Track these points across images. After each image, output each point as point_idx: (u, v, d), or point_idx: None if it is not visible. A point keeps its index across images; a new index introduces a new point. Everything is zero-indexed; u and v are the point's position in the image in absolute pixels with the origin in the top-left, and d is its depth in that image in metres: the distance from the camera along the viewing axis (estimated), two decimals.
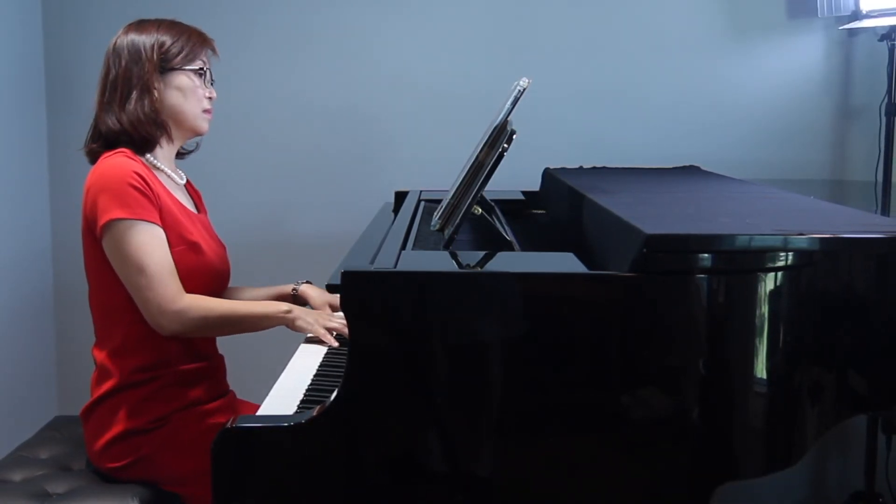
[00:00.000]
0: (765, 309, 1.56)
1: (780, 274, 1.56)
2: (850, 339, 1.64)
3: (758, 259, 1.56)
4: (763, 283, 1.56)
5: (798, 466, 1.61)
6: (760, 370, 1.57)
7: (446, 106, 3.30)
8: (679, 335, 1.55)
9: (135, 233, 1.99)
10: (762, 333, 1.57)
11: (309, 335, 2.19)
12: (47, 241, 3.44)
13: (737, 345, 1.57)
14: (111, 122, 2.10)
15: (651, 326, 1.55)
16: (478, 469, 1.56)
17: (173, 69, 2.13)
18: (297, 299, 2.39)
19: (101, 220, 1.99)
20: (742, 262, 1.56)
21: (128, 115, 2.09)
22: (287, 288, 2.41)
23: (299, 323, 2.15)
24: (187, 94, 2.15)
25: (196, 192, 2.36)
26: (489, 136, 1.91)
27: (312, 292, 2.39)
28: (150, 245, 2.00)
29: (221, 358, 2.29)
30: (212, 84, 2.22)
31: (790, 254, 1.56)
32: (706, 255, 1.53)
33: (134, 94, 2.10)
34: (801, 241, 1.57)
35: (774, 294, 1.56)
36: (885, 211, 2.52)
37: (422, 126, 3.32)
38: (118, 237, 1.99)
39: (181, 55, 2.14)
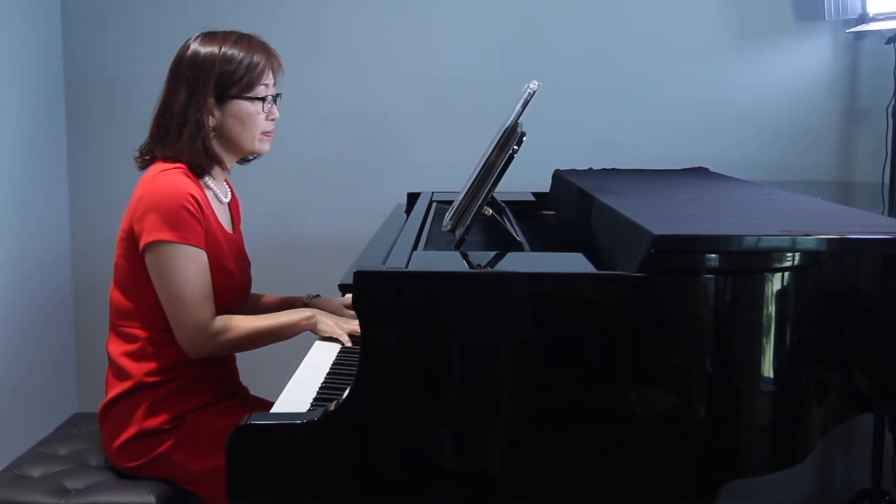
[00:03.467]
0: (771, 309, 1.57)
1: (786, 274, 1.57)
2: (856, 339, 1.65)
3: (764, 259, 1.56)
4: (770, 284, 1.57)
5: (804, 464, 1.61)
6: (767, 369, 1.58)
7: (457, 108, 3.31)
8: (686, 334, 1.56)
9: (179, 256, 2.00)
10: (769, 333, 1.58)
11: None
12: (66, 241, 3.46)
13: (743, 344, 1.58)
14: (165, 153, 2.10)
15: (659, 326, 1.56)
16: (487, 465, 1.57)
17: (232, 97, 2.11)
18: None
19: (149, 238, 2.00)
20: (749, 262, 1.56)
21: (180, 151, 2.08)
22: (297, 301, 2.43)
23: (321, 327, 2.17)
24: (245, 122, 2.13)
25: (237, 204, 2.36)
26: (500, 138, 1.92)
27: (325, 305, 2.38)
28: (192, 270, 2.01)
29: (233, 357, 2.31)
30: (276, 103, 2.19)
31: (797, 254, 1.57)
32: (713, 255, 1.54)
33: (187, 131, 2.08)
34: (807, 242, 1.57)
35: (781, 294, 1.57)
36: (892, 212, 2.53)
37: (433, 128, 3.33)
38: (163, 258, 2.00)
39: (241, 83, 2.11)
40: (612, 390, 1.56)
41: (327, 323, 2.18)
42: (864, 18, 3.06)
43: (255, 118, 2.14)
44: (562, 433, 1.58)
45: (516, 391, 1.56)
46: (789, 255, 1.57)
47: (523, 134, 1.86)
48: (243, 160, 2.29)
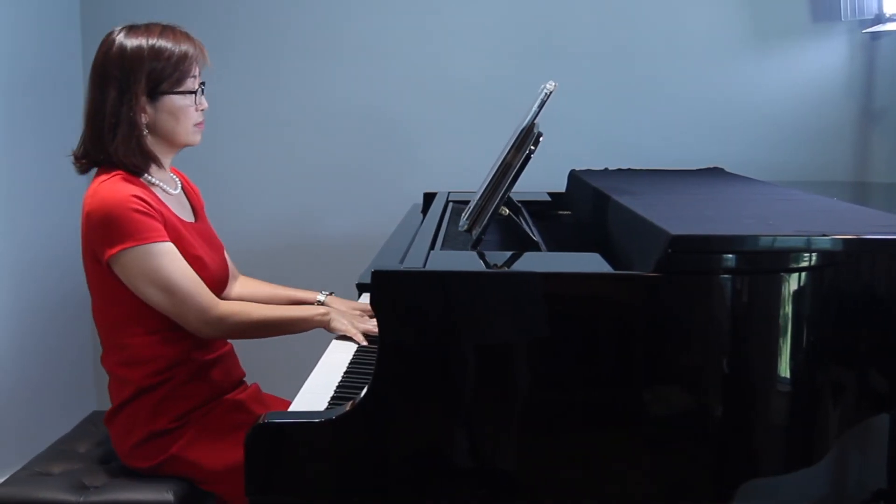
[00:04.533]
0: (787, 309, 1.57)
1: (802, 274, 1.57)
2: (872, 339, 1.64)
3: (780, 259, 1.56)
4: (786, 284, 1.56)
5: (819, 464, 1.62)
6: (783, 369, 1.58)
7: (474, 109, 3.32)
8: (702, 334, 1.56)
9: (150, 257, 1.97)
10: (784, 333, 1.57)
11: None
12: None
13: (759, 344, 1.58)
14: (101, 154, 2.06)
15: (675, 325, 1.56)
16: (502, 465, 1.58)
17: (164, 93, 2.07)
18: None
19: (111, 251, 1.96)
20: (765, 262, 1.56)
21: (115, 150, 2.04)
22: (312, 297, 2.41)
23: (335, 325, 2.17)
24: (179, 116, 2.08)
25: (194, 191, 2.32)
26: (516, 139, 1.93)
27: (338, 305, 2.37)
28: (169, 264, 1.99)
29: (230, 346, 2.28)
30: (202, 93, 2.14)
31: (812, 254, 1.56)
32: (729, 255, 1.54)
33: (120, 131, 2.03)
34: (823, 242, 1.57)
35: (797, 294, 1.57)
36: None
37: (450, 129, 3.35)
38: (134, 266, 1.97)
39: (172, 79, 2.06)
40: (629, 390, 1.57)
41: (341, 321, 2.19)
42: (880, 19, 3.06)
43: (188, 111, 2.10)
44: (578, 433, 1.58)
45: (533, 391, 1.57)
46: (805, 255, 1.56)
47: (540, 134, 1.86)
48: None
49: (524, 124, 1.93)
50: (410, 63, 3.35)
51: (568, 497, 1.59)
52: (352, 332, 2.17)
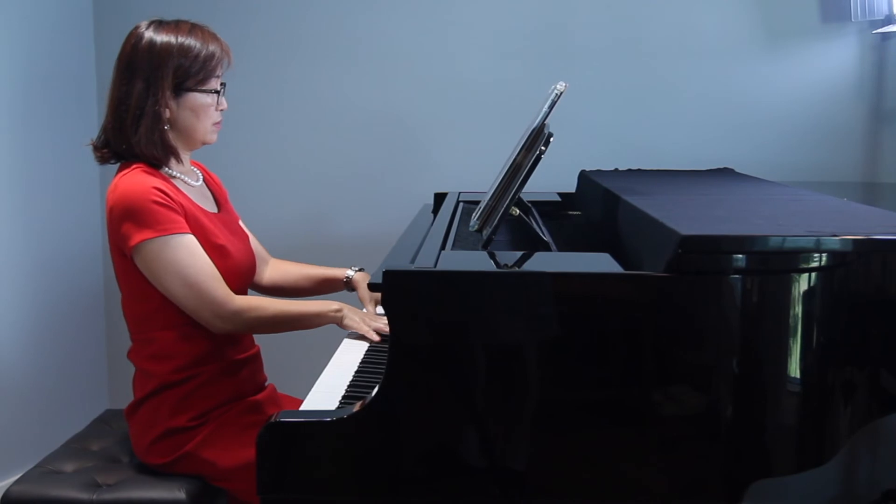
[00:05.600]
0: (798, 309, 1.56)
1: (812, 275, 1.56)
2: (882, 339, 1.63)
3: (791, 260, 1.56)
4: (796, 284, 1.56)
5: (830, 464, 1.61)
6: (793, 369, 1.58)
7: (484, 110, 3.33)
8: (713, 334, 1.56)
9: (170, 248, 2.00)
10: (795, 333, 1.57)
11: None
12: (98, 239, 3.50)
13: (770, 344, 1.58)
14: (123, 144, 2.08)
15: (685, 325, 1.56)
16: (511, 463, 1.58)
17: (188, 90, 2.10)
18: (349, 285, 2.46)
19: (132, 243, 1.99)
20: (775, 262, 1.56)
21: (138, 142, 2.07)
22: (341, 273, 2.46)
23: (347, 321, 2.19)
24: (200, 113, 2.12)
25: (216, 183, 2.35)
26: (527, 139, 1.93)
27: (363, 281, 2.44)
28: (187, 256, 2.01)
29: (258, 349, 2.31)
30: (223, 93, 2.17)
31: (823, 255, 1.56)
32: (740, 255, 1.54)
33: (144, 124, 2.06)
34: (833, 243, 1.56)
35: (807, 294, 1.57)
36: None
37: (461, 129, 3.35)
38: (153, 257, 2.00)
39: (197, 77, 2.09)
40: (639, 390, 1.57)
41: (354, 318, 2.20)
42: (891, 19, 3.05)
43: (209, 110, 2.13)
44: (588, 432, 1.58)
45: (543, 390, 1.57)
46: (816, 255, 1.56)
47: (550, 135, 1.86)
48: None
49: (535, 125, 1.93)
50: (421, 65, 3.35)
51: (580, 496, 1.59)
52: (364, 329, 2.18)
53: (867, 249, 1.60)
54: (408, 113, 3.37)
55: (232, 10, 3.27)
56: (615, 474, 1.59)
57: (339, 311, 2.19)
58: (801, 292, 1.57)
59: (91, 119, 3.42)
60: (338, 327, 2.21)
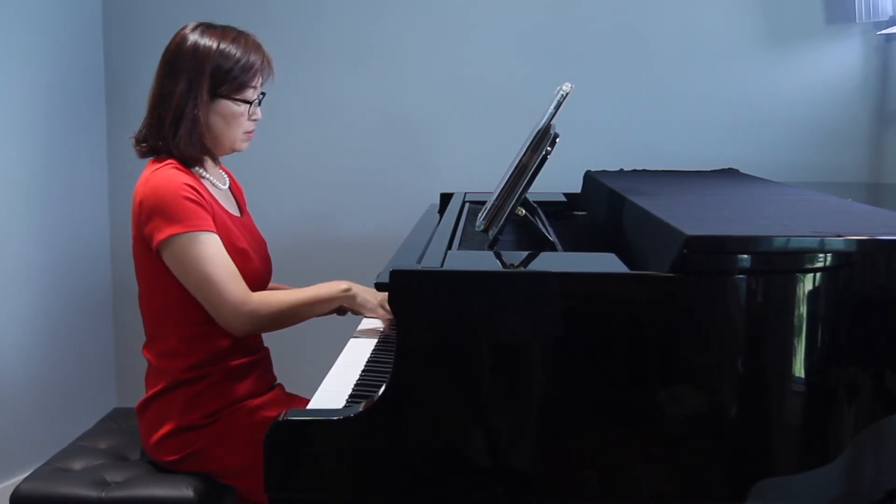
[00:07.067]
0: (802, 309, 1.56)
1: (817, 275, 1.56)
2: (887, 339, 1.64)
3: (795, 260, 1.56)
4: (801, 284, 1.56)
5: (833, 464, 1.61)
6: (798, 369, 1.57)
7: (490, 111, 3.33)
8: (718, 334, 1.56)
9: (195, 244, 2.01)
10: (800, 333, 1.57)
11: (359, 328, 2.25)
12: (106, 239, 3.52)
13: (774, 344, 1.58)
14: (161, 142, 2.11)
15: (690, 325, 1.56)
16: (517, 463, 1.58)
17: (222, 96, 2.12)
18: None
19: (159, 237, 2.01)
20: (780, 262, 1.56)
21: (177, 143, 2.09)
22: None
23: (359, 300, 2.19)
24: (230, 121, 2.14)
25: (239, 189, 2.38)
26: (533, 140, 1.93)
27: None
28: (211, 254, 2.03)
29: (267, 350, 2.33)
30: (259, 103, 2.19)
31: (827, 255, 1.56)
32: (745, 256, 1.54)
33: (184, 123, 2.08)
34: (838, 243, 1.56)
35: (812, 294, 1.57)
36: None
37: (467, 131, 3.36)
38: (179, 251, 2.02)
39: (234, 84, 2.12)
40: (644, 390, 1.57)
41: (365, 297, 2.20)
42: (895, 20, 3.05)
43: (240, 119, 2.15)
44: (593, 432, 1.59)
45: (548, 390, 1.57)
46: (820, 255, 1.56)
47: (556, 135, 1.86)
48: None
49: (540, 125, 1.93)
50: (427, 66, 3.36)
51: (584, 495, 1.59)
52: (377, 310, 2.19)
53: (871, 250, 1.60)
54: (414, 114, 3.38)
55: (237, 13, 3.27)
56: (621, 474, 1.59)
57: (348, 289, 2.19)
58: (806, 292, 1.57)
59: (100, 119, 3.43)
60: (343, 324, 2.21)
